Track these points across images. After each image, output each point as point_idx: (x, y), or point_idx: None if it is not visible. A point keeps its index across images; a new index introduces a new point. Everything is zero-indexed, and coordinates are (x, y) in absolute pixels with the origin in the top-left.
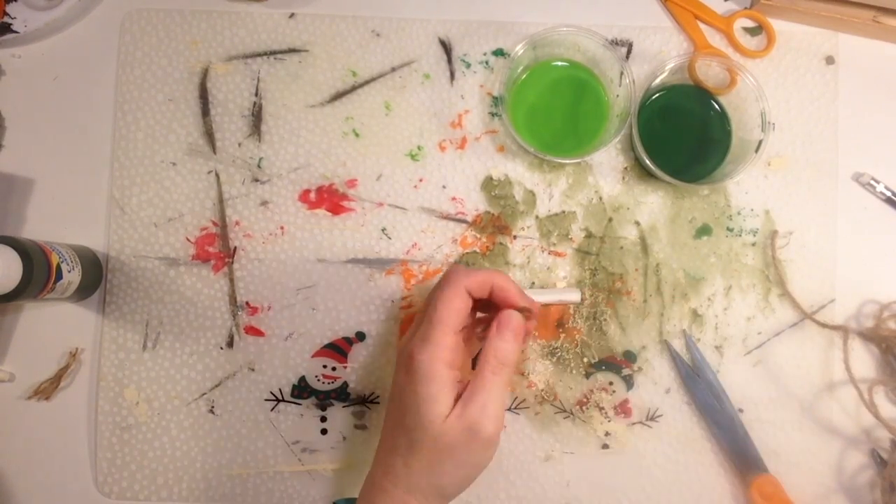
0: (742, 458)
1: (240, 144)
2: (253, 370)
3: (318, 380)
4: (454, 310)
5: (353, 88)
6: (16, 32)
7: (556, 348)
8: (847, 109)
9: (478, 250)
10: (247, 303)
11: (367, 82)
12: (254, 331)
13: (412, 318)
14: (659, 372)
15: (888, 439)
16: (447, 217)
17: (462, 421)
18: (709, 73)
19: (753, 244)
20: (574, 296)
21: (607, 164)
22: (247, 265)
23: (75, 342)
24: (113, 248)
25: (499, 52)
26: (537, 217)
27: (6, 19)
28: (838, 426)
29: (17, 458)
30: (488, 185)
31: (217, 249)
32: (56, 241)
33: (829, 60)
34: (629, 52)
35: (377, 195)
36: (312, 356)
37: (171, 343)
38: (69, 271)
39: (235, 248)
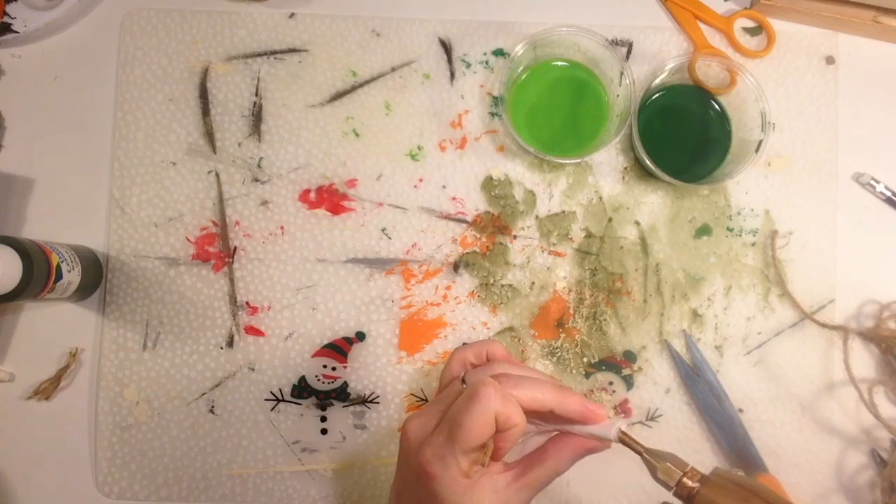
0: (742, 458)
1: (240, 144)
2: (253, 370)
3: (318, 380)
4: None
5: (353, 88)
6: (16, 32)
7: (556, 348)
8: (847, 109)
9: (478, 250)
10: (247, 303)
11: (367, 82)
12: (254, 331)
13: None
14: (659, 372)
15: (888, 439)
16: (447, 217)
17: None
18: (709, 73)
19: (753, 244)
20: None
21: (607, 164)
22: (247, 265)
23: (75, 342)
24: (113, 248)
25: (499, 52)
26: (537, 217)
27: (6, 19)
28: (838, 426)
29: (17, 458)
30: (488, 184)
31: (217, 249)
32: (56, 241)
33: (829, 60)
34: (629, 52)
35: (377, 195)
36: (312, 356)
37: (171, 343)
38: (69, 271)
39: (235, 247)
